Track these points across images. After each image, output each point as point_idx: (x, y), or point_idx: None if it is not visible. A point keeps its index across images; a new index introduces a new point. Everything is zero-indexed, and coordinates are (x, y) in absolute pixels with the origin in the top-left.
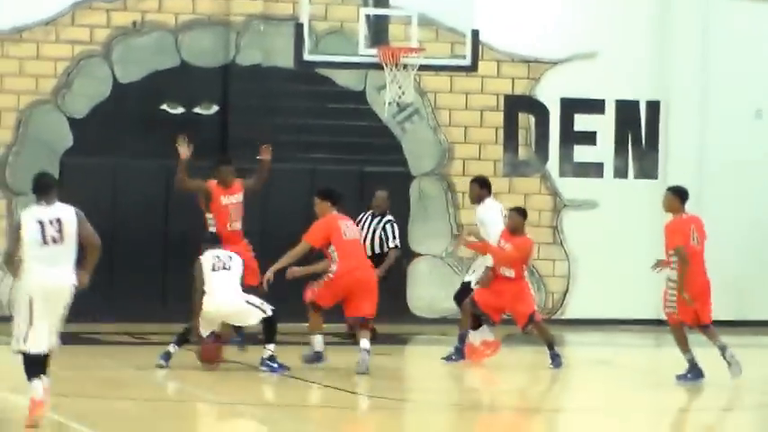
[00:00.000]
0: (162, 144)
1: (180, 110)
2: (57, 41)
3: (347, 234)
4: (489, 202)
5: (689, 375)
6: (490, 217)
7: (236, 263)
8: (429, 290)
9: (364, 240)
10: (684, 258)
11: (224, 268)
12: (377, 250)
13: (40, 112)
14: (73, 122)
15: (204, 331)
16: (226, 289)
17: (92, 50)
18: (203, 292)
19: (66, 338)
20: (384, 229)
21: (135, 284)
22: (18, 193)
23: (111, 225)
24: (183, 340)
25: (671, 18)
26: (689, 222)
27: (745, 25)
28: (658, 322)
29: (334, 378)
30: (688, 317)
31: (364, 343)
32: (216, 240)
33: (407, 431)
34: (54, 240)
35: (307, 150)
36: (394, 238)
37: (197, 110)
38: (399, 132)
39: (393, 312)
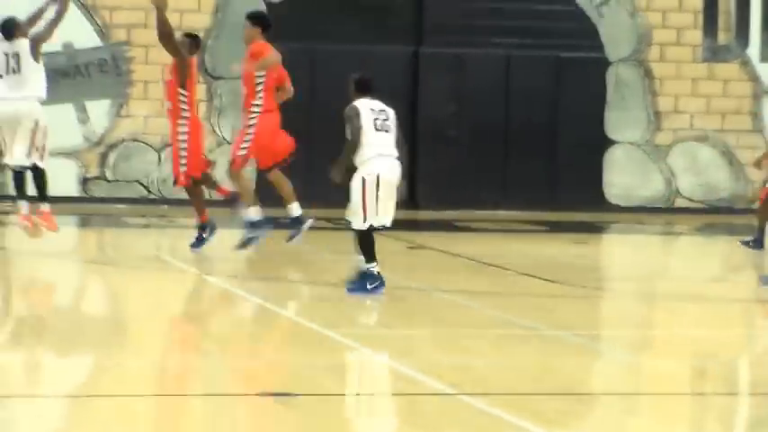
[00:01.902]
0: (360, 28)
1: None
2: None
3: None
4: None
5: None
6: None
7: None
8: (625, 178)
9: None
10: None
11: None
12: None
13: None
14: (271, 6)
15: None
16: None
17: None
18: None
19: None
20: None
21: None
22: (217, 77)
23: (310, 109)
24: None
25: None
26: None
27: None
28: None
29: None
30: None
31: None
32: None
33: (603, 317)
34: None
35: (502, 35)
36: None
37: None
38: (596, 17)
39: (588, 200)
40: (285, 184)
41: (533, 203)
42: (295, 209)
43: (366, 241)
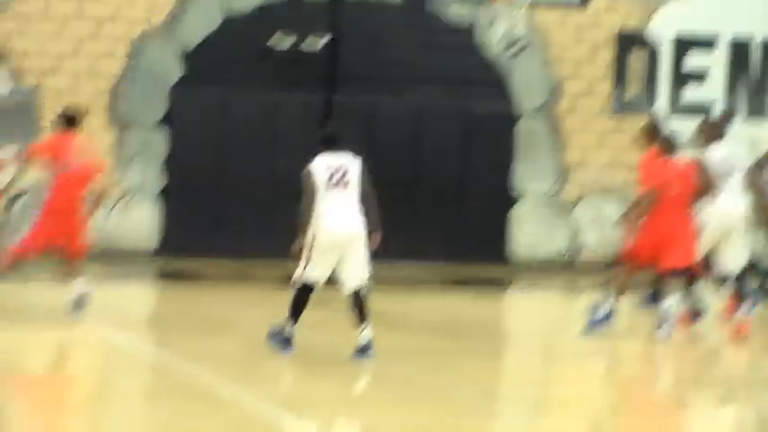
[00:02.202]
0: (271, 77)
1: (290, 42)
2: None
3: None
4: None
5: None
6: None
7: None
8: (532, 232)
9: None
10: None
11: None
12: None
13: (151, 43)
14: (183, 55)
15: None
16: None
17: None
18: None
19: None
20: None
21: (242, 218)
22: (128, 125)
23: (219, 159)
24: None
25: None
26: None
27: None
28: None
29: None
30: None
31: None
32: None
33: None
34: None
35: (414, 85)
36: None
37: (306, 43)
38: (508, 68)
39: (494, 255)
40: None
41: (440, 257)
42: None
43: (298, 298)
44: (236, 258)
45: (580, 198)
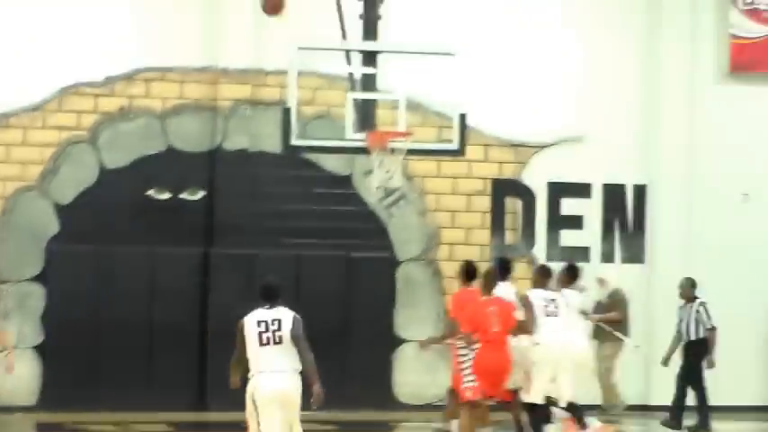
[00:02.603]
0: (149, 230)
1: (166, 195)
2: (43, 127)
3: None
4: None
5: None
6: None
7: None
8: (414, 376)
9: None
10: None
11: None
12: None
13: (26, 199)
14: (59, 209)
15: None
16: None
17: (78, 136)
18: None
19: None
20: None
21: (122, 371)
22: (2, 281)
23: (97, 314)
24: None
25: (657, 103)
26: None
27: (730, 109)
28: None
29: None
30: None
31: None
32: None
33: None
34: None
35: (293, 236)
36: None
37: (183, 195)
38: (386, 217)
39: (378, 399)
40: None
41: (325, 403)
42: None
43: None
44: (116, 411)
45: None
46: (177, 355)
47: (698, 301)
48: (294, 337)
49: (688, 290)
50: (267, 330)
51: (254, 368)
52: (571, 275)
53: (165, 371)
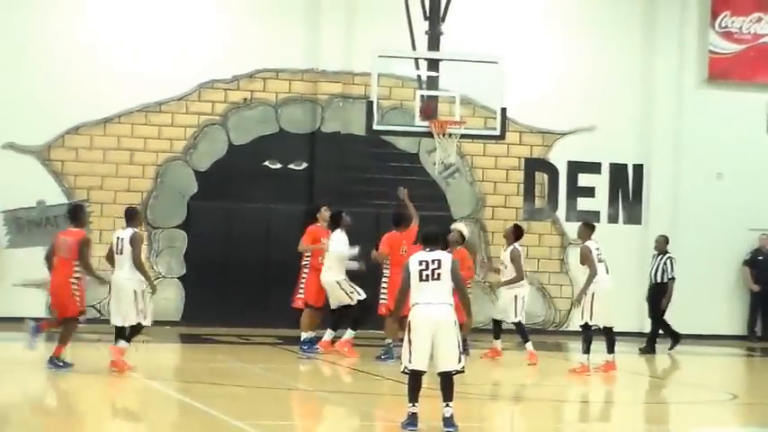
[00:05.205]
0: (265, 191)
1: (278, 165)
2: (186, 113)
3: None
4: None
5: None
6: None
7: None
8: None
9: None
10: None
11: None
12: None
13: (174, 167)
14: (198, 174)
15: None
16: None
17: (213, 120)
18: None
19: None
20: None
21: (243, 297)
22: (156, 227)
23: (226, 253)
24: None
25: (651, 101)
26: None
27: (708, 108)
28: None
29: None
30: None
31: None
32: None
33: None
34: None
35: (373, 198)
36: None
37: (291, 166)
38: (444, 186)
39: None
40: None
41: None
42: None
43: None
44: (239, 326)
45: None
46: (286, 285)
47: (667, 254)
48: (453, 275)
49: (662, 244)
50: (427, 269)
51: (413, 300)
52: (590, 229)
53: (276, 297)
